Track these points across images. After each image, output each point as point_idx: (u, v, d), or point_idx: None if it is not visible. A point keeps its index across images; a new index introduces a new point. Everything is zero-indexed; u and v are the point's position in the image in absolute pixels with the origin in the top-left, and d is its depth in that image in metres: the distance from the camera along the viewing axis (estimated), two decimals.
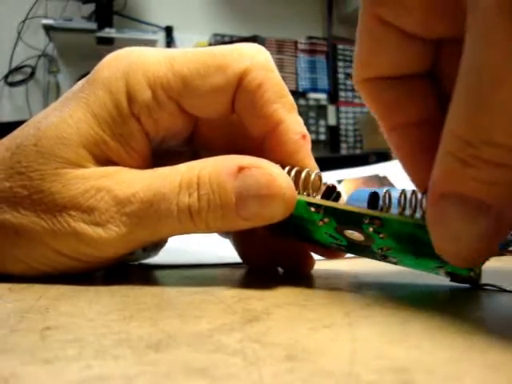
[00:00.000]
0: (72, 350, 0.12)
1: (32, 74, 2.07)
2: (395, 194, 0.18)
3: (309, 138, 0.21)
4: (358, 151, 2.44)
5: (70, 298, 0.17)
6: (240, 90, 0.21)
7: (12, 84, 2.05)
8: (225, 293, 0.18)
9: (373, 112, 0.19)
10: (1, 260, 0.20)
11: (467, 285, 0.19)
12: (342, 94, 2.54)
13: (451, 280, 0.19)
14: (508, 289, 0.18)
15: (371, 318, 0.15)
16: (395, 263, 0.20)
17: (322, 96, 2.46)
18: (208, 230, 0.19)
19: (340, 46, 2.54)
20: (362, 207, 0.18)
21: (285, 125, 0.21)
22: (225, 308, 0.16)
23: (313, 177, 0.20)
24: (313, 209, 0.19)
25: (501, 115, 0.12)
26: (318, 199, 0.19)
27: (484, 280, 0.19)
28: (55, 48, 2.07)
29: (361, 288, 0.21)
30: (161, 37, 2.13)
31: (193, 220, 0.19)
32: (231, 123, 0.23)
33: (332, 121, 2.51)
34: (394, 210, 0.18)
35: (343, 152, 2.45)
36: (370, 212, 0.18)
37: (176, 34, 2.20)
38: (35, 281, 0.20)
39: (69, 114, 0.20)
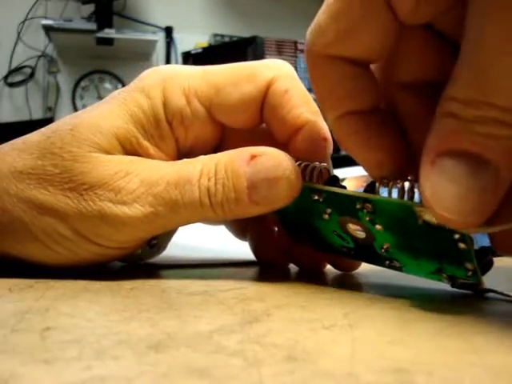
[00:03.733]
0: (72, 351, 0.12)
1: (32, 75, 2.07)
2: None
3: (330, 141, 0.22)
4: None
5: (70, 298, 0.17)
6: (268, 96, 0.22)
7: (12, 84, 2.05)
8: (225, 294, 0.18)
9: (320, 93, 0.19)
10: (19, 237, 0.21)
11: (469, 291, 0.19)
12: None
13: (452, 286, 0.19)
14: (511, 294, 0.18)
15: (371, 319, 0.15)
16: (400, 269, 0.20)
17: None
18: (224, 215, 0.20)
19: None
20: (355, 191, 0.19)
21: (309, 126, 0.22)
22: (225, 309, 0.16)
23: (318, 167, 0.20)
24: (316, 197, 0.20)
25: (501, 81, 0.13)
26: (316, 184, 0.20)
27: (486, 281, 0.19)
28: (55, 48, 2.07)
29: (361, 288, 0.21)
30: (161, 37, 2.13)
31: (211, 202, 0.20)
32: (257, 136, 0.24)
33: None
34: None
35: (343, 152, 2.45)
36: (361, 194, 0.18)
37: (176, 35, 2.20)
38: (35, 281, 0.20)
39: (108, 110, 0.22)
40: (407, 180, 0.18)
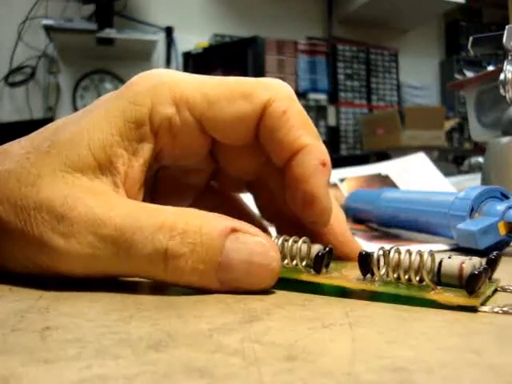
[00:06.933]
0: (72, 350, 0.12)
1: (32, 75, 2.07)
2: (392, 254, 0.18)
3: (329, 166, 0.21)
4: (357, 152, 2.44)
5: (70, 297, 0.17)
6: (264, 117, 0.21)
7: (12, 84, 2.05)
8: (224, 293, 0.18)
9: None
10: None
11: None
12: (341, 94, 2.54)
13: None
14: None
15: (371, 318, 0.15)
16: None
17: (322, 96, 2.46)
18: (175, 281, 0.18)
19: (340, 47, 2.54)
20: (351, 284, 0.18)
21: (306, 149, 0.21)
22: (225, 308, 0.16)
23: (299, 244, 0.20)
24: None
25: None
26: (303, 275, 0.19)
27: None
28: (55, 48, 2.07)
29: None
30: (161, 37, 2.13)
31: (166, 264, 0.18)
32: (249, 152, 0.23)
33: (332, 121, 2.51)
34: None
35: (343, 153, 2.46)
36: (359, 286, 0.18)
37: (176, 35, 2.20)
38: (35, 281, 0.20)
39: (87, 120, 0.20)
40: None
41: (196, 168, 0.25)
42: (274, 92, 0.21)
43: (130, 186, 0.20)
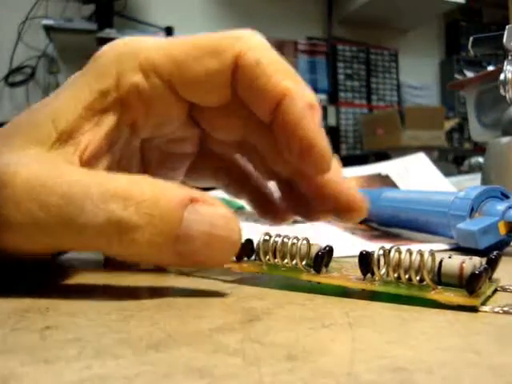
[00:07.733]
0: (72, 350, 0.12)
1: (32, 75, 2.07)
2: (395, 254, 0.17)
3: (318, 108, 0.20)
4: (357, 152, 2.45)
5: (70, 297, 0.17)
6: (238, 70, 0.20)
7: (12, 84, 2.05)
8: (225, 292, 0.18)
9: None
10: None
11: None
12: (341, 94, 2.55)
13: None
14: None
15: (371, 318, 0.15)
16: None
17: (322, 97, 2.47)
18: (130, 255, 0.17)
19: (340, 47, 2.54)
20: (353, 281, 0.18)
21: (290, 95, 0.20)
22: (225, 308, 0.16)
23: (299, 243, 0.19)
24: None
25: None
26: (304, 275, 0.19)
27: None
28: (55, 48, 2.07)
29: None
30: (161, 37, 2.13)
31: (120, 237, 0.16)
32: (229, 113, 0.22)
33: (332, 121, 2.52)
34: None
35: (343, 153, 2.46)
36: (359, 285, 0.18)
37: (176, 35, 2.21)
38: (35, 281, 0.20)
39: (54, 99, 0.20)
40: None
41: (179, 136, 0.24)
42: (244, 43, 0.20)
43: (89, 156, 0.20)
